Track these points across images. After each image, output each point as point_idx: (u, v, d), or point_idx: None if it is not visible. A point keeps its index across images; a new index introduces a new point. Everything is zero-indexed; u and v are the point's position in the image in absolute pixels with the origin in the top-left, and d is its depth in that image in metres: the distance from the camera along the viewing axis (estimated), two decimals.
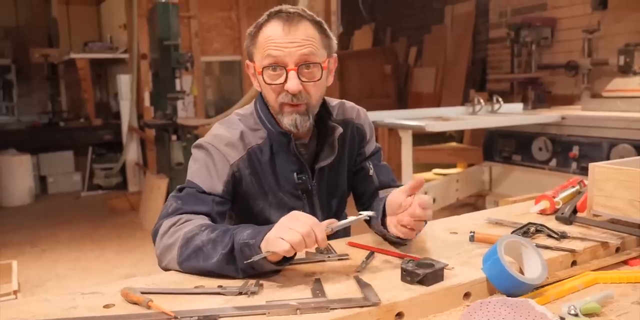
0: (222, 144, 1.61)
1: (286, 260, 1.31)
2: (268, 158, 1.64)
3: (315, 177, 1.70)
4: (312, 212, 1.71)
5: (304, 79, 1.51)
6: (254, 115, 1.69)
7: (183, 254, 1.38)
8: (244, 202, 1.66)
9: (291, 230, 1.24)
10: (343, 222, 1.36)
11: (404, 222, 1.40)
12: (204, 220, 1.49)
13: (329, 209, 1.78)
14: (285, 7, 1.54)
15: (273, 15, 1.52)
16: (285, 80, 1.51)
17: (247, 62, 1.63)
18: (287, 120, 1.57)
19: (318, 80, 1.55)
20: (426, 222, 1.48)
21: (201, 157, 1.62)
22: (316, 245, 1.28)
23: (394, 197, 1.44)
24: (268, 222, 1.40)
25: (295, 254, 1.29)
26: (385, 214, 1.49)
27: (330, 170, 1.73)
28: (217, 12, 8.26)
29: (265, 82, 1.53)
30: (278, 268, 1.33)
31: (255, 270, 1.31)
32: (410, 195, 1.41)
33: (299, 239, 1.23)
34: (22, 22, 9.93)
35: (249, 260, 1.26)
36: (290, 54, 1.48)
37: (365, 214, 1.42)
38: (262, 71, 1.51)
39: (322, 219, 1.72)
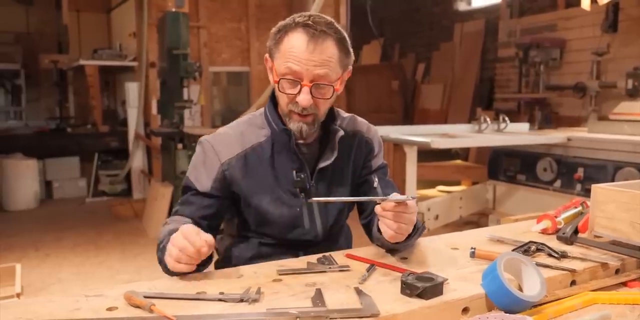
0: (217, 142, 1.71)
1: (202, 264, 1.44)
2: (269, 155, 1.71)
3: (315, 178, 1.74)
4: (310, 211, 1.75)
5: (315, 95, 1.57)
6: (262, 115, 1.77)
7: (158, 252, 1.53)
8: (240, 198, 1.72)
9: (173, 248, 1.38)
10: (392, 197, 1.40)
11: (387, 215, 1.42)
12: (185, 219, 1.63)
13: (326, 210, 1.79)
14: (315, 19, 1.55)
15: (301, 24, 1.54)
16: (298, 93, 1.56)
17: (267, 56, 1.67)
18: (294, 127, 1.64)
19: (328, 98, 1.61)
20: (417, 229, 1.55)
21: (199, 152, 1.74)
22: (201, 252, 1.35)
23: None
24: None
25: (210, 258, 1.46)
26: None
27: (332, 173, 1.76)
28: (227, 23, 8.32)
29: (279, 90, 1.60)
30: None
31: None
32: None
33: (177, 254, 1.36)
34: (33, 28, 10.00)
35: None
36: (307, 71, 1.53)
37: (406, 197, 1.40)
38: (279, 80, 1.57)
39: (320, 220, 1.75)
